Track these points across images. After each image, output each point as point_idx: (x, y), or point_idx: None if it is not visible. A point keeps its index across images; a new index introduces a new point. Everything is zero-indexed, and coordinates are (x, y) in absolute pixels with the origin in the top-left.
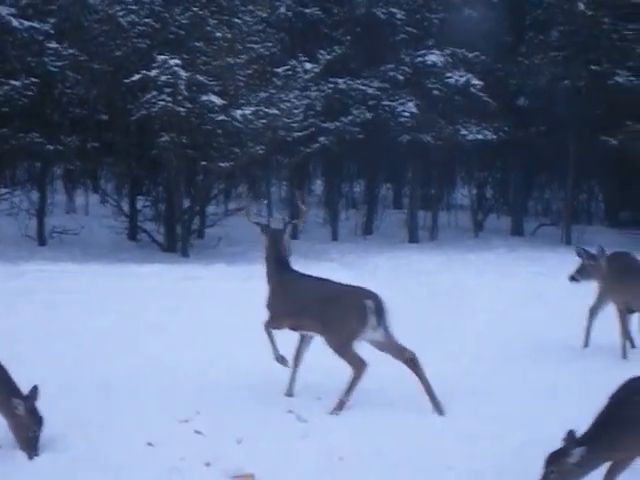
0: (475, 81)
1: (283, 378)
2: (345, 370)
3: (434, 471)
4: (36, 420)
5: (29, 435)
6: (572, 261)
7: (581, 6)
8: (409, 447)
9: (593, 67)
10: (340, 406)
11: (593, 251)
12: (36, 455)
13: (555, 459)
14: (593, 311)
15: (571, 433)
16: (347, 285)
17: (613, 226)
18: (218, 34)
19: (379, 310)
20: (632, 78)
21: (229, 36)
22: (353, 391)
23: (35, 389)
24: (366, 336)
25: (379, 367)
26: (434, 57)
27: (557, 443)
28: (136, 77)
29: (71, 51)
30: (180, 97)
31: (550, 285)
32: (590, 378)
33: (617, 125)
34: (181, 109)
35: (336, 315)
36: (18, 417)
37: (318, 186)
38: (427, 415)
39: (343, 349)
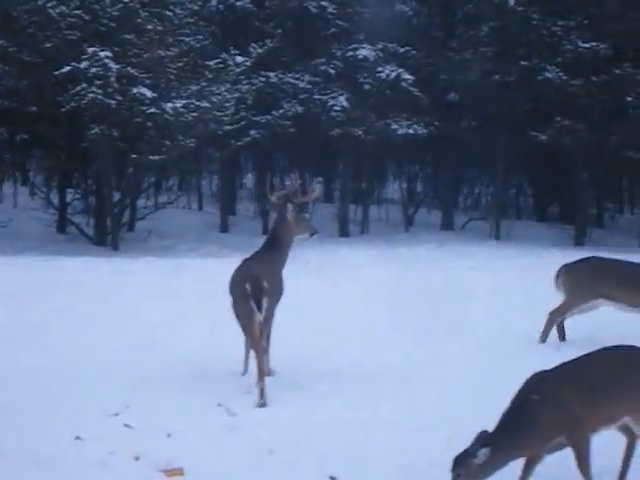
0: (406, 76)
1: (213, 371)
2: (276, 362)
3: (363, 464)
4: None
5: None
6: (501, 255)
7: (511, 2)
8: (338, 440)
9: (523, 63)
10: (261, 394)
11: None
12: None
13: (461, 461)
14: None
15: (483, 433)
16: (242, 268)
17: (541, 220)
18: (149, 26)
19: (258, 294)
20: (561, 74)
21: (160, 29)
22: (264, 374)
23: None
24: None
25: (310, 361)
26: (365, 51)
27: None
28: (66, 69)
29: (0, 42)
30: (110, 89)
31: (480, 279)
32: (522, 370)
33: (546, 120)
34: (111, 101)
35: (233, 297)
36: None
37: (249, 179)
38: (357, 408)
39: (245, 330)
